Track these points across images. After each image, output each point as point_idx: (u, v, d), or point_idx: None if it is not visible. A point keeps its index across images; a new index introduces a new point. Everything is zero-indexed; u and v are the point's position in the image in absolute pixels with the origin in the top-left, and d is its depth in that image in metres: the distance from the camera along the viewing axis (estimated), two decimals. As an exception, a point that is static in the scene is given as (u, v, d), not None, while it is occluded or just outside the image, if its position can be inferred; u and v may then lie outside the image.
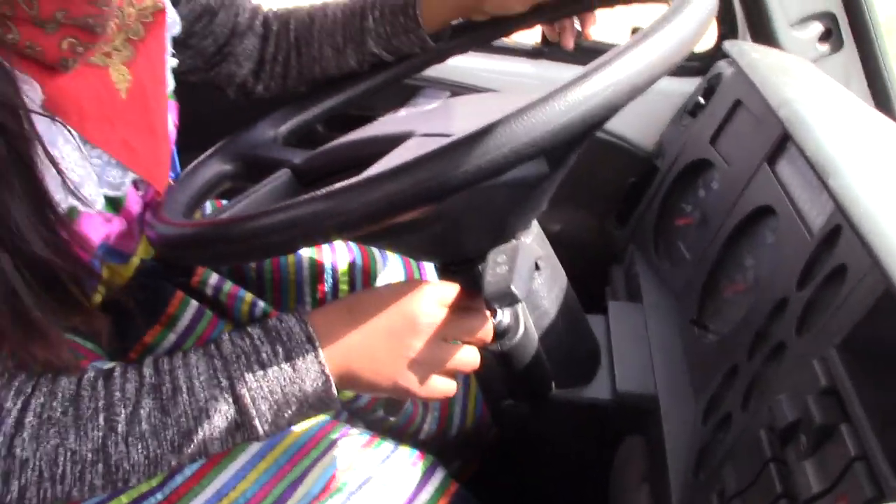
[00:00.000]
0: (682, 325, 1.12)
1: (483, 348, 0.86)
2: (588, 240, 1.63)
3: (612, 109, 0.67)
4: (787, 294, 0.85)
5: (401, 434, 1.10)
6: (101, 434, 0.68)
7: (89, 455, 0.68)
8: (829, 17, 1.33)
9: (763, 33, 1.32)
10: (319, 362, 0.73)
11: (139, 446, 0.69)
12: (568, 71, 1.47)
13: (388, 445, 0.91)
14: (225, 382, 0.71)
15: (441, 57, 1.11)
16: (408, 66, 1.11)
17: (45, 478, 0.67)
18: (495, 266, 0.78)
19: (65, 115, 0.74)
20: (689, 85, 1.47)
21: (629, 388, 1.02)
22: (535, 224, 0.95)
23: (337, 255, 1.15)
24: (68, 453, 0.68)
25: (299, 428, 0.89)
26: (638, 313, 1.18)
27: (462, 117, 0.90)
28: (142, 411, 0.70)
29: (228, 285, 1.03)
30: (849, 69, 1.35)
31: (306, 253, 1.14)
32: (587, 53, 1.51)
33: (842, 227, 0.80)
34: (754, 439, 0.74)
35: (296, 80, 1.12)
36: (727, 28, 1.45)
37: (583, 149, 0.83)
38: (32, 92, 0.72)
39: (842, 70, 1.35)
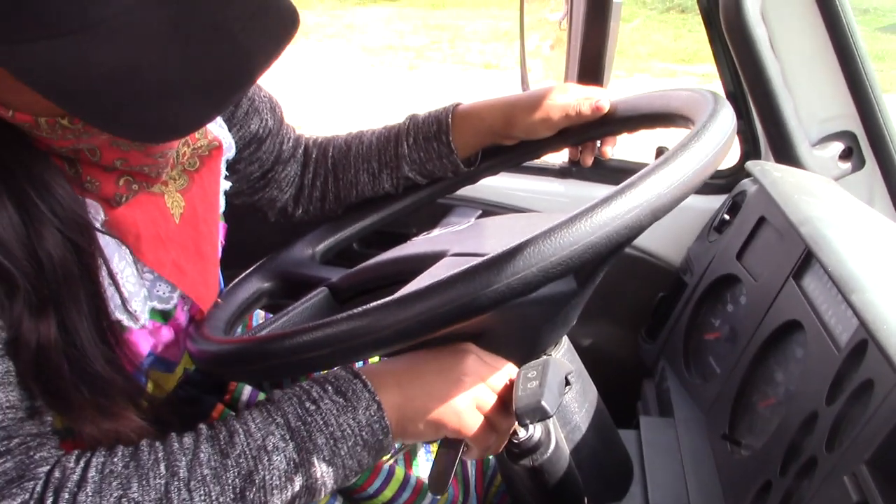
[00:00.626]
0: (713, 440, 1.11)
1: (517, 464, 0.87)
2: (618, 354, 1.64)
3: (637, 230, 0.70)
4: (817, 408, 0.86)
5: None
6: (163, 482, 0.69)
7: None
8: (849, 136, 1.36)
9: (785, 153, 1.35)
10: (369, 391, 0.75)
11: (202, 491, 0.69)
12: (596, 189, 1.52)
13: None
14: (280, 419, 0.73)
15: (472, 179, 1.15)
16: (440, 187, 1.15)
17: None
18: (526, 381, 0.80)
19: (123, 237, 0.80)
20: (716, 202, 1.51)
21: (662, 504, 1.02)
22: (565, 339, 0.96)
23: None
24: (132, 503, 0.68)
25: None
26: (670, 428, 1.18)
27: (493, 237, 0.93)
28: (202, 455, 0.70)
29: (262, 396, 1.05)
30: (872, 186, 1.38)
31: None
32: (615, 172, 1.56)
33: (867, 342, 0.81)
34: (789, 556, 0.74)
35: (333, 204, 1.17)
36: (750, 147, 1.50)
37: (613, 264, 0.85)
38: (95, 213, 0.77)
39: (865, 188, 1.38)
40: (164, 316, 0.87)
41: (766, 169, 1.25)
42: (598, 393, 1.03)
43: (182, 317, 0.90)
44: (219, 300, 0.96)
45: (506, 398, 0.81)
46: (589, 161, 1.15)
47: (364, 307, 0.71)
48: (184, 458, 0.70)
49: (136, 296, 0.82)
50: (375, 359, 1.03)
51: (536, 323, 0.85)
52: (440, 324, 0.69)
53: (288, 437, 0.72)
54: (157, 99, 0.62)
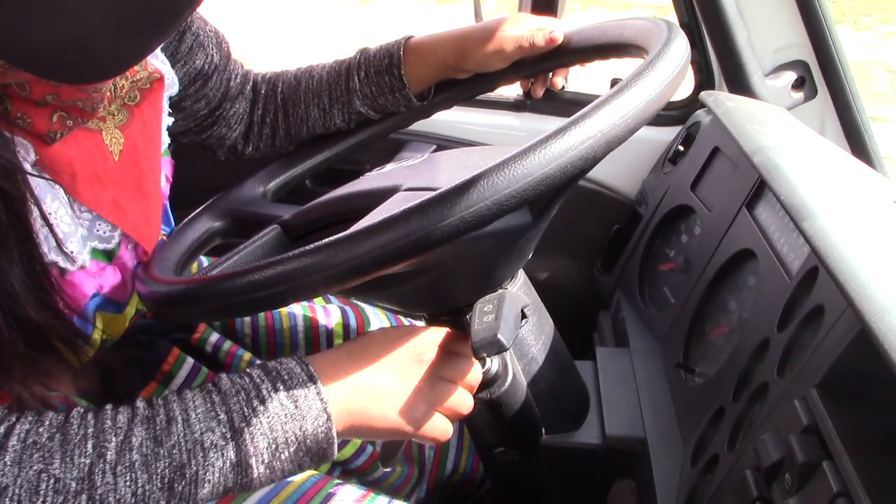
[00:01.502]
0: (668, 369, 1.13)
1: (473, 396, 0.87)
2: (575, 287, 1.65)
3: (590, 161, 0.70)
4: (769, 335, 0.87)
5: (395, 491, 1.10)
6: (88, 462, 0.65)
7: (73, 484, 0.64)
8: (802, 66, 1.37)
9: (738, 83, 1.35)
10: (322, 399, 0.71)
11: (128, 477, 0.65)
12: (550, 122, 1.51)
13: (382, 500, 0.91)
14: (223, 416, 0.69)
15: (426, 113, 1.14)
16: (393, 122, 1.14)
17: None
18: (482, 315, 0.80)
19: (57, 176, 0.75)
20: (670, 133, 1.51)
21: (618, 433, 1.03)
22: (521, 273, 0.97)
23: (331, 317, 1.17)
24: (51, 480, 0.63)
25: (292, 483, 0.89)
26: (625, 358, 1.19)
27: (446, 171, 0.92)
28: (133, 439, 0.66)
29: (228, 344, 1.04)
30: (823, 116, 1.39)
31: (300, 315, 1.15)
32: (569, 105, 1.55)
33: (818, 269, 0.82)
34: (741, 479, 0.75)
35: (284, 141, 1.14)
36: (704, 77, 1.50)
37: (567, 197, 0.85)
38: (25, 153, 0.73)
39: (817, 117, 1.39)
40: (108, 255, 0.85)
41: (720, 99, 1.25)
42: (555, 325, 1.04)
43: (127, 255, 0.87)
44: (165, 238, 0.94)
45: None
46: (540, 92, 1.14)
47: (316, 244, 0.70)
48: (114, 439, 0.66)
49: (73, 236, 0.78)
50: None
51: (492, 257, 0.85)
52: (394, 259, 0.68)
53: (228, 437, 0.68)
54: (85, 35, 0.59)
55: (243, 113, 1.12)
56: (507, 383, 0.91)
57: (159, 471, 0.66)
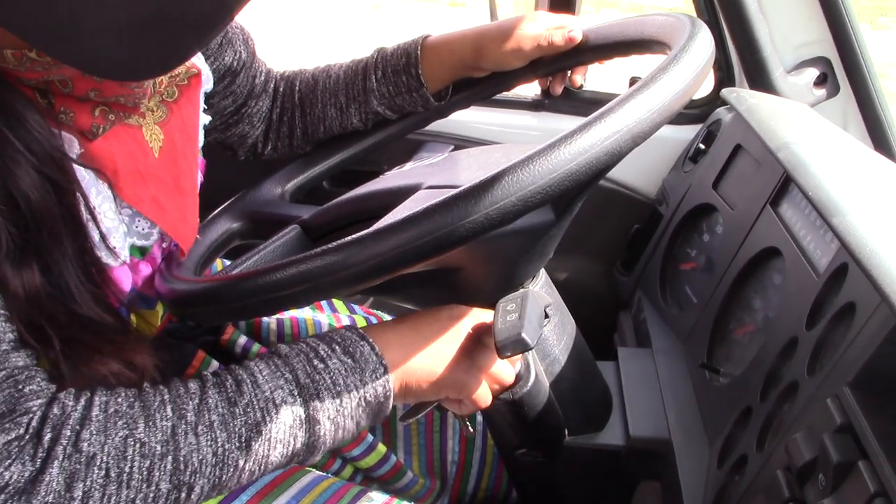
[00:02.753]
0: (692, 369, 1.12)
1: (497, 398, 0.86)
2: (595, 287, 1.64)
3: (615, 157, 0.69)
4: (797, 334, 0.85)
5: (417, 502, 1.10)
6: (170, 424, 0.66)
7: (158, 447, 0.65)
8: (824, 63, 1.35)
9: (760, 80, 1.34)
10: (376, 353, 0.75)
11: (209, 437, 0.67)
12: (568, 122, 1.50)
13: None
14: (289, 375, 0.71)
15: (443, 113, 1.13)
16: (410, 122, 1.13)
17: (111, 479, 0.63)
18: (505, 314, 0.79)
19: (99, 173, 0.76)
20: (690, 132, 1.49)
21: (642, 433, 1.02)
22: (542, 272, 0.95)
23: (355, 321, 1.16)
24: (137, 444, 0.65)
25: (317, 488, 0.88)
26: (647, 358, 1.18)
27: (468, 168, 0.91)
28: (209, 400, 0.69)
29: (257, 346, 1.04)
30: (846, 113, 1.37)
31: (325, 324, 1.15)
32: (587, 104, 1.54)
33: (848, 266, 0.81)
34: (772, 480, 0.74)
35: (301, 140, 1.14)
36: (724, 75, 1.48)
37: (587, 197, 0.84)
38: (70, 147, 0.74)
39: (840, 114, 1.37)
40: (142, 251, 0.85)
41: (742, 96, 1.23)
42: (576, 325, 1.03)
43: (158, 253, 0.87)
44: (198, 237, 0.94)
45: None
46: (559, 90, 1.13)
47: (339, 242, 0.69)
48: (191, 402, 0.68)
49: (115, 231, 0.78)
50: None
51: (514, 255, 0.84)
52: (417, 257, 0.67)
53: (296, 393, 0.71)
54: (129, 34, 0.59)
55: (266, 111, 1.12)
56: (529, 383, 0.90)
57: (237, 429, 0.68)
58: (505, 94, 1.16)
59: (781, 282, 0.99)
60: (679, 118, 1.50)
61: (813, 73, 1.36)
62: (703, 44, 0.77)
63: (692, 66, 0.74)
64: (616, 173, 1.55)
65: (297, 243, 0.93)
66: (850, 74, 1.34)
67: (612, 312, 1.51)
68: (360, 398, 0.73)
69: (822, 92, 1.37)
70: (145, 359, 0.76)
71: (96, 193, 0.76)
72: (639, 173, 1.55)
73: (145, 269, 0.86)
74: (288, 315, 1.14)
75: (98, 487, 0.63)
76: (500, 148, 0.97)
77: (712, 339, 1.10)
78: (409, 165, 1.01)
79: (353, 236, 0.69)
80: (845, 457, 0.64)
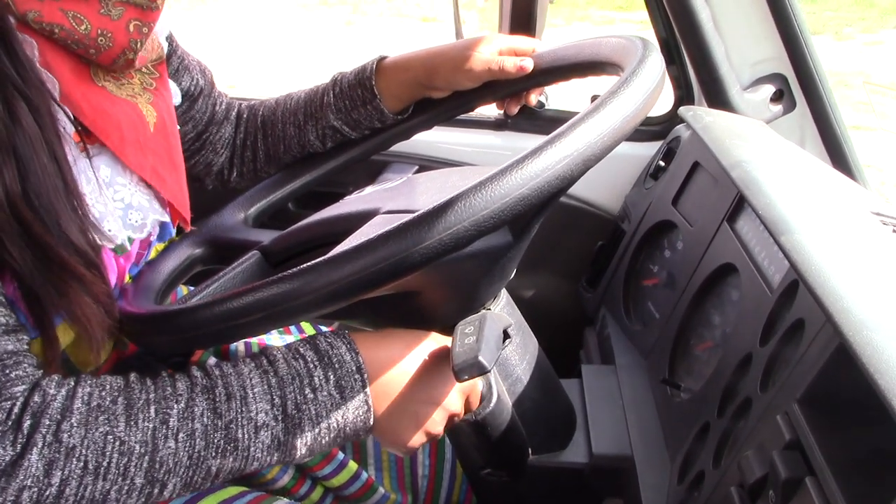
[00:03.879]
0: (654, 385, 1.13)
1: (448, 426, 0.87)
2: (560, 304, 1.65)
3: (567, 181, 0.70)
4: (752, 350, 0.87)
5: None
6: (151, 426, 0.68)
7: (137, 447, 0.67)
8: (780, 79, 1.37)
9: (717, 97, 1.36)
10: (365, 393, 0.75)
11: (188, 444, 0.69)
12: (531, 141, 1.50)
13: None
14: (278, 400, 0.72)
15: (406, 134, 1.14)
16: (373, 143, 1.14)
17: (88, 470, 0.66)
18: (463, 337, 0.79)
19: (106, 137, 0.80)
20: (651, 149, 1.51)
21: (605, 451, 1.03)
22: (503, 292, 0.96)
23: None
24: (117, 442, 0.67)
25: None
26: (611, 375, 1.19)
27: (425, 192, 0.92)
28: (195, 409, 0.70)
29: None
30: (804, 128, 1.39)
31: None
32: (550, 122, 1.56)
33: (798, 283, 0.82)
34: (726, 496, 0.75)
35: (264, 163, 1.16)
36: (683, 92, 1.50)
37: (549, 214, 0.85)
38: (52, 88, 0.77)
39: (797, 129, 1.39)
40: (120, 248, 0.86)
41: (699, 114, 1.25)
42: (541, 344, 1.04)
43: (134, 252, 0.89)
44: (145, 268, 0.94)
45: None
46: (514, 110, 1.15)
47: (293, 270, 0.69)
48: (176, 406, 0.70)
49: (110, 216, 0.81)
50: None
51: (473, 277, 0.85)
52: (372, 283, 0.68)
53: (280, 419, 0.72)
54: None
55: (228, 137, 1.15)
56: (491, 404, 0.91)
57: (216, 441, 0.70)
58: (468, 114, 1.17)
59: (738, 297, 1.01)
60: (640, 135, 1.52)
61: (769, 89, 1.38)
62: (653, 67, 0.79)
63: (642, 89, 0.75)
64: (579, 190, 1.57)
65: (256, 269, 0.93)
66: (806, 90, 1.36)
67: (579, 329, 1.52)
68: (338, 431, 0.75)
69: (778, 108, 1.39)
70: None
71: (86, 181, 0.78)
72: (602, 190, 1.56)
73: (115, 267, 0.87)
74: (256, 338, 1.14)
75: (76, 477, 0.65)
76: (459, 171, 0.98)
77: (673, 354, 1.11)
78: (369, 189, 1.02)
79: (309, 264, 0.69)
80: (793, 473, 0.65)
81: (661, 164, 1.41)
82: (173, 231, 0.98)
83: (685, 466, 0.93)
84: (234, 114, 1.16)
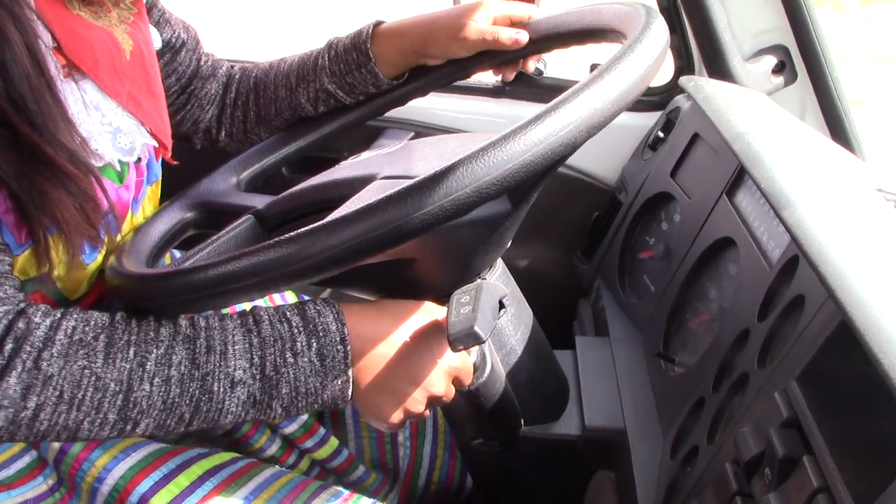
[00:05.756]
0: (648, 358, 1.12)
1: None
2: (555, 275, 1.64)
3: (572, 147, 0.69)
4: (749, 325, 0.86)
5: (371, 495, 1.09)
6: (128, 367, 0.70)
7: (112, 384, 0.70)
8: (782, 50, 1.35)
9: (718, 68, 1.34)
10: (346, 364, 0.76)
11: (162, 389, 0.71)
12: (528, 109, 1.49)
13: (366, 501, 0.90)
14: (257, 360, 0.73)
15: (401, 101, 1.12)
16: (368, 109, 1.12)
17: (63, 400, 0.68)
18: (459, 307, 0.78)
19: (80, 60, 0.79)
20: (650, 119, 1.49)
21: (598, 423, 1.02)
22: (499, 262, 0.95)
23: None
24: (93, 377, 0.69)
25: (277, 482, 0.88)
26: (605, 347, 1.18)
27: (424, 159, 0.90)
28: (174, 357, 0.72)
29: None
30: (804, 100, 1.38)
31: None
32: (548, 90, 1.54)
33: (798, 258, 0.81)
34: (721, 473, 0.74)
35: (254, 125, 1.14)
36: (684, 63, 1.48)
37: (546, 184, 0.84)
38: (45, 34, 0.75)
39: (797, 102, 1.38)
40: (120, 178, 0.85)
41: (699, 84, 1.23)
42: (535, 315, 1.03)
43: (133, 178, 0.88)
44: (136, 232, 0.92)
45: None
46: (510, 77, 1.12)
47: (291, 234, 0.68)
48: (155, 351, 0.71)
49: (99, 137, 0.80)
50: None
51: (470, 246, 0.84)
52: (371, 249, 0.67)
53: (257, 378, 0.73)
54: None
55: (215, 94, 1.14)
56: (485, 374, 0.90)
57: (190, 391, 0.72)
58: (466, 80, 1.15)
59: (736, 272, 1.00)
60: (639, 105, 1.50)
61: (771, 60, 1.36)
62: (657, 34, 0.77)
63: (646, 57, 0.74)
64: (576, 160, 1.55)
65: (250, 234, 0.92)
66: (808, 62, 1.34)
67: (573, 300, 1.51)
68: (315, 397, 0.76)
69: (780, 80, 1.38)
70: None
71: (74, 101, 0.77)
72: (599, 160, 1.55)
73: (123, 198, 0.86)
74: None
75: (51, 404, 0.68)
76: (457, 137, 0.97)
77: (668, 328, 1.11)
78: (365, 155, 1.00)
79: (306, 228, 0.68)
80: (790, 451, 0.65)
81: (661, 134, 1.39)
82: (159, 173, 0.97)
83: (678, 441, 0.92)
84: (221, 72, 1.14)
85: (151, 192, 0.97)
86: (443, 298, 0.83)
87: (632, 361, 1.13)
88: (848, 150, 1.31)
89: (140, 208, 0.93)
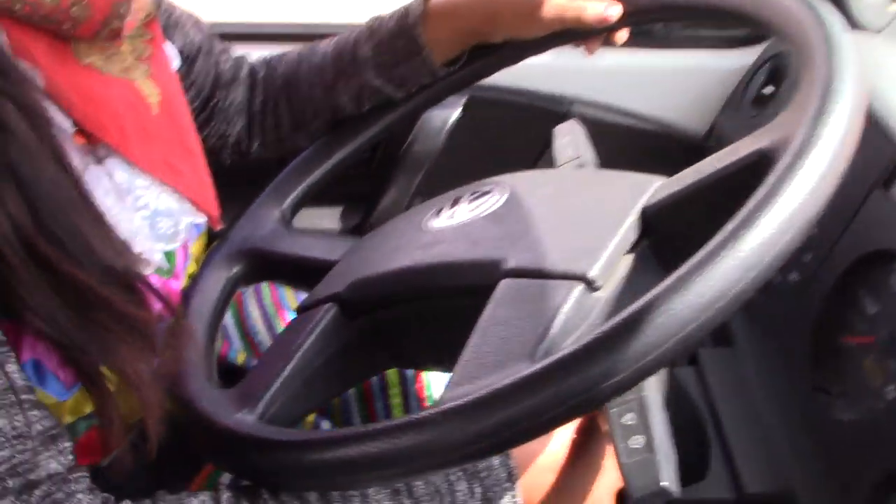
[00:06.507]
0: (791, 378, 0.96)
1: None
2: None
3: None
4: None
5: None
6: None
7: None
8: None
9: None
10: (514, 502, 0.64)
11: None
12: (632, 56, 1.24)
13: None
14: None
15: (457, 87, 0.94)
16: (420, 99, 0.94)
17: None
18: (626, 435, 0.62)
19: (104, 132, 0.68)
20: (741, 58, 1.28)
21: (758, 487, 0.88)
22: None
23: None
24: None
25: None
26: (732, 360, 1.02)
27: (551, 231, 0.70)
28: None
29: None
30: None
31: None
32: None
33: None
34: None
35: (291, 131, 0.98)
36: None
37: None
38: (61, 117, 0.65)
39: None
40: (168, 270, 0.75)
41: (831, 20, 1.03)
42: None
43: (181, 269, 0.78)
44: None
45: None
46: (593, 51, 0.91)
47: (432, 412, 0.52)
48: None
49: (138, 233, 0.70)
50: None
51: None
52: (532, 436, 0.52)
53: None
54: None
55: (242, 102, 0.97)
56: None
57: None
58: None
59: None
60: (718, 42, 1.28)
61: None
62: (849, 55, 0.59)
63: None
64: (656, 110, 1.34)
65: (337, 328, 0.75)
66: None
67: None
68: None
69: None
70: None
71: (103, 193, 0.66)
72: (682, 111, 1.34)
73: (173, 287, 0.76)
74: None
75: None
76: (572, 177, 0.79)
77: (815, 345, 0.94)
78: (461, 209, 0.80)
79: (452, 404, 0.51)
80: None
81: (766, 91, 1.18)
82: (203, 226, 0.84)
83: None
84: (244, 73, 0.97)
85: (197, 248, 0.85)
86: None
87: (771, 384, 0.98)
88: None
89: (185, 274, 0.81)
